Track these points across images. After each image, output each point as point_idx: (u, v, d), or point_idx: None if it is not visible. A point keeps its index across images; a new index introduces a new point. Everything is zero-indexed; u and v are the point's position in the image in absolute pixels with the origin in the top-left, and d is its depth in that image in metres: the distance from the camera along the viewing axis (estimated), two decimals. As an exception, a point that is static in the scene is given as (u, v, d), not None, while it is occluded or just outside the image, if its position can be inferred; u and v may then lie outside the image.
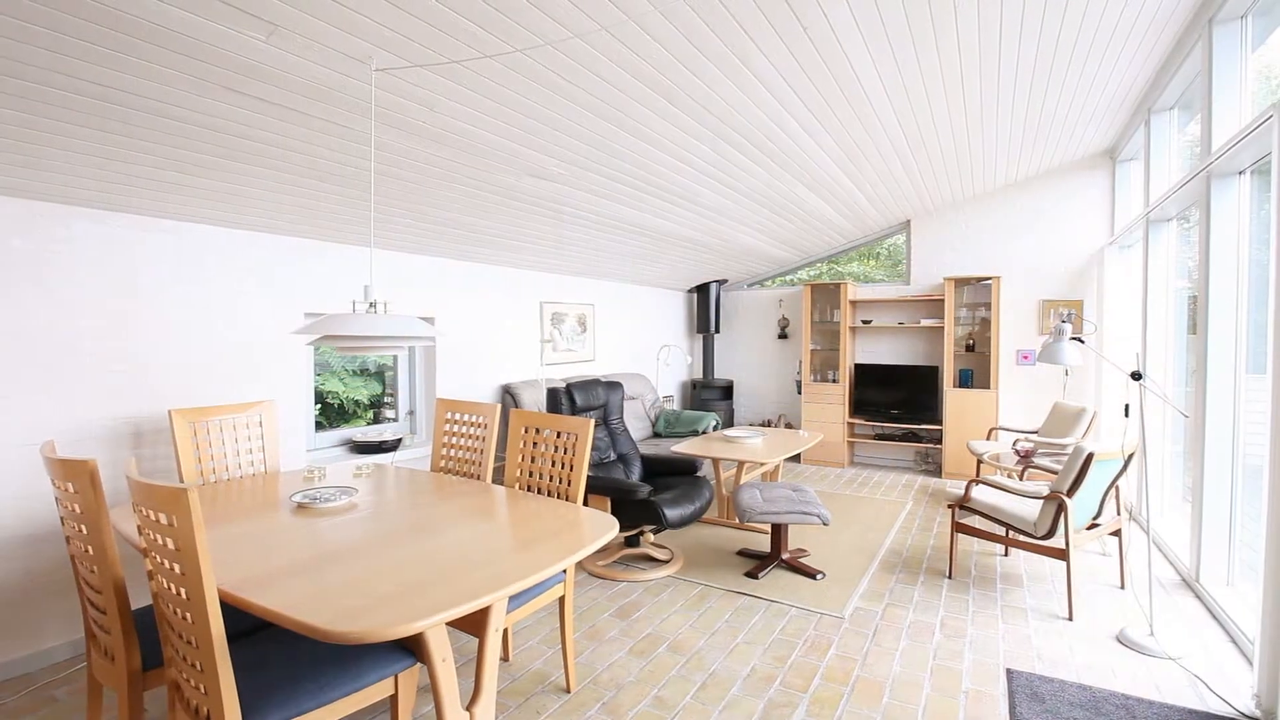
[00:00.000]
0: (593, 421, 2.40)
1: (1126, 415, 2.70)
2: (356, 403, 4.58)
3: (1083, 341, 2.91)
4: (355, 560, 1.67)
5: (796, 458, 6.43)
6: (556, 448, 2.49)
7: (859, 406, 6.20)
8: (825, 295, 6.45)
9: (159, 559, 1.41)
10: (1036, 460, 4.09)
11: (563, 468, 2.47)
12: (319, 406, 4.46)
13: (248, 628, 1.83)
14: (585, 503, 3.34)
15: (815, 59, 2.61)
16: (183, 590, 1.34)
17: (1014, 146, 4.49)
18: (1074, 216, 5.43)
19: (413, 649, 1.70)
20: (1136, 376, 2.64)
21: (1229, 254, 2.97)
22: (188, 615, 1.35)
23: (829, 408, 6.22)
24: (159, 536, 1.37)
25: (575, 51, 2.21)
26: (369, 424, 4.36)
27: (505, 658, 2.55)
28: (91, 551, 1.58)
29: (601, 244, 4.66)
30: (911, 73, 2.91)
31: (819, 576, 3.36)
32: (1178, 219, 3.94)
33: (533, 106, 2.52)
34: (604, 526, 1.97)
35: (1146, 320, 4.06)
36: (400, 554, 1.73)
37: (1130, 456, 3.11)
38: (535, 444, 2.58)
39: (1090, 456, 2.86)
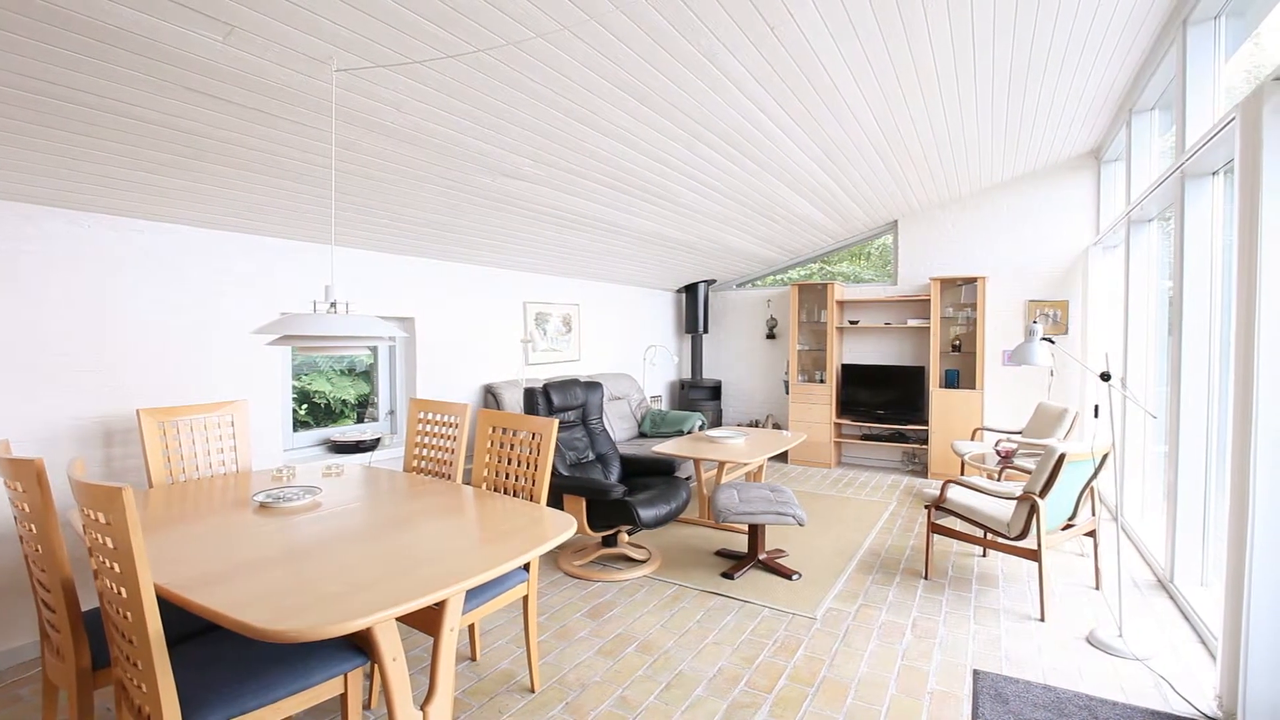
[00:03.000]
0: (556, 422, 2.40)
1: (1096, 416, 2.70)
2: (344, 402, 4.59)
3: (1053, 342, 2.91)
4: (308, 559, 1.68)
5: (784, 458, 6.43)
6: (522, 447, 2.50)
7: (846, 407, 6.20)
8: (813, 295, 6.44)
9: (101, 558, 1.41)
10: (1017, 461, 4.08)
11: (528, 467, 2.47)
12: (306, 406, 4.47)
13: (202, 627, 1.83)
14: (561, 502, 3.35)
15: (786, 60, 2.60)
16: (122, 589, 1.35)
17: (997, 147, 4.49)
18: (1060, 217, 5.43)
19: (364, 648, 1.71)
20: (1105, 378, 2.64)
21: (1203, 255, 2.97)
22: (127, 614, 1.35)
23: (816, 408, 6.22)
24: (99, 536, 1.38)
25: (539, 51, 2.21)
26: (355, 424, 4.37)
27: (473, 657, 2.56)
28: (41, 551, 1.58)
29: (583, 244, 4.66)
30: (886, 73, 2.91)
31: (795, 577, 3.36)
32: (1159, 219, 3.93)
33: (501, 107, 2.53)
34: (561, 526, 1.97)
35: (1128, 321, 4.05)
36: (354, 553, 1.73)
37: (1105, 457, 3.10)
38: (502, 444, 2.58)
39: (1062, 457, 2.86)
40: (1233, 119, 2.19)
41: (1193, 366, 2.98)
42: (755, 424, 6.92)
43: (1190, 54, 2.96)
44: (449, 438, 2.80)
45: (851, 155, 3.98)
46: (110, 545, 1.34)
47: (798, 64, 2.66)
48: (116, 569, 1.35)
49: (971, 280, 5.58)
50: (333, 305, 2.07)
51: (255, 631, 1.28)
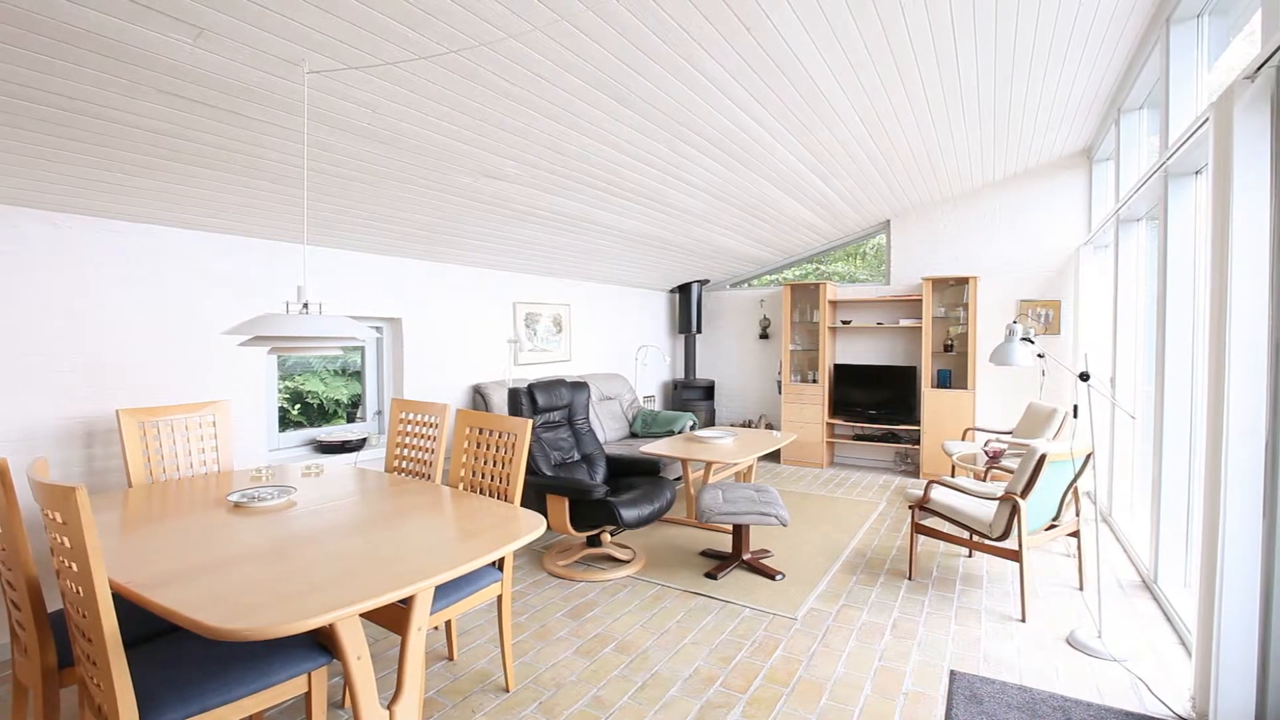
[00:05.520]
0: (530, 422, 2.40)
1: (1075, 416, 2.69)
2: (337, 402, 4.61)
3: (1032, 342, 2.90)
4: (274, 559, 1.68)
5: (776, 458, 6.42)
6: (497, 447, 2.50)
7: (838, 407, 6.19)
8: (805, 295, 6.44)
9: (60, 558, 1.42)
10: (1005, 461, 4.07)
11: (502, 467, 2.48)
12: (299, 406, 4.48)
13: (169, 626, 1.84)
14: (544, 502, 3.36)
15: (764, 59, 2.60)
16: (79, 588, 1.36)
17: (986, 146, 4.48)
18: (1052, 216, 5.41)
19: (328, 646, 1.71)
20: (1085, 378, 2.63)
21: (1186, 255, 2.96)
22: (85, 612, 1.36)
23: (809, 408, 6.21)
24: (58, 535, 1.39)
25: (512, 52, 2.22)
26: (348, 424, 4.39)
27: (450, 656, 2.56)
28: (6, 550, 1.59)
29: (571, 244, 4.66)
30: (867, 73, 2.91)
31: (778, 577, 3.36)
32: (1147, 219, 3.92)
33: (477, 108, 2.53)
34: (530, 525, 1.98)
35: (1117, 321, 4.04)
36: (321, 552, 1.74)
37: (1088, 458, 3.09)
38: (479, 444, 2.59)
39: (1043, 458, 2.85)
40: (1207, 119, 2.18)
41: (1176, 367, 2.97)
42: (748, 424, 6.91)
43: (1173, 53, 2.95)
44: (429, 438, 2.81)
45: (838, 154, 3.98)
46: (67, 545, 1.35)
47: (776, 64, 2.66)
48: (74, 568, 1.35)
49: (964, 280, 5.57)
50: (305, 306, 2.08)
51: (208, 630, 1.28)
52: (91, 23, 1.69)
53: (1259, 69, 1.85)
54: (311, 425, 4.23)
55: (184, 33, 1.81)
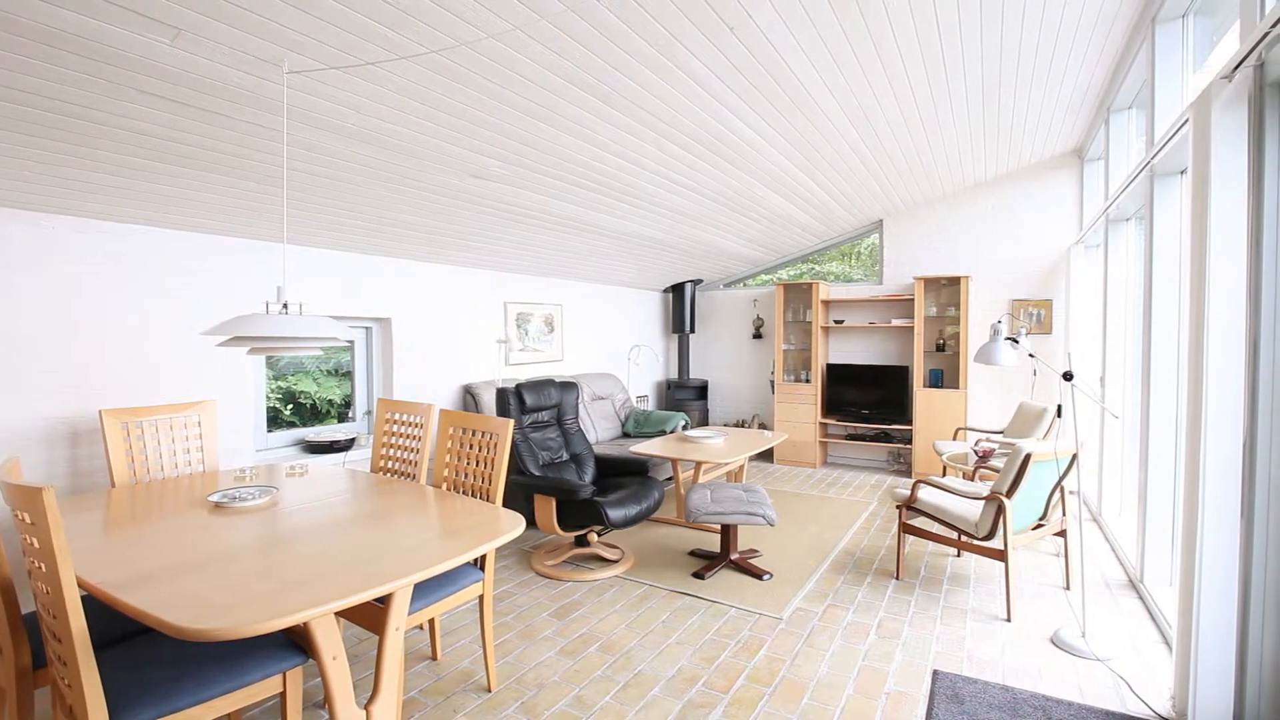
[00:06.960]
0: (512, 422, 2.40)
1: (1059, 416, 2.69)
2: (330, 402, 4.61)
3: (1017, 342, 2.91)
4: (250, 558, 1.68)
5: (769, 458, 6.42)
6: (479, 447, 2.50)
7: (831, 406, 6.20)
8: (798, 295, 6.44)
9: (31, 558, 1.42)
10: (994, 461, 4.08)
11: (484, 467, 2.48)
12: (291, 406, 4.49)
13: (144, 626, 1.83)
14: (531, 502, 3.36)
15: (749, 59, 2.60)
16: (48, 588, 1.36)
17: (977, 146, 4.48)
18: (1044, 216, 5.41)
19: (304, 646, 1.71)
20: (1068, 377, 2.63)
21: (1171, 254, 2.96)
22: (54, 613, 1.36)
23: (802, 408, 6.21)
24: (27, 536, 1.39)
25: (493, 52, 2.22)
26: (340, 424, 4.39)
27: (434, 656, 2.56)
28: (-20, 550, 1.59)
29: (561, 244, 4.66)
30: (854, 74, 2.91)
31: (766, 577, 3.36)
32: (1135, 218, 3.92)
33: (461, 108, 2.53)
34: (509, 525, 1.98)
35: (1106, 320, 4.05)
36: (297, 552, 1.74)
37: (1074, 458, 3.09)
38: (462, 444, 2.59)
39: (1028, 457, 2.85)
40: (1187, 119, 2.18)
41: (1162, 367, 2.98)
42: (741, 424, 6.92)
43: (1159, 53, 2.95)
44: (414, 438, 2.81)
45: (828, 154, 3.98)
46: (36, 545, 1.35)
47: (762, 64, 2.66)
48: (43, 568, 1.35)
49: (956, 280, 5.57)
50: (284, 306, 2.08)
51: (176, 630, 1.28)
52: (67, 22, 1.69)
53: (1236, 69, 1.86)
54: (304, 425, 4.24)
55: (162, 33, 1.81)
